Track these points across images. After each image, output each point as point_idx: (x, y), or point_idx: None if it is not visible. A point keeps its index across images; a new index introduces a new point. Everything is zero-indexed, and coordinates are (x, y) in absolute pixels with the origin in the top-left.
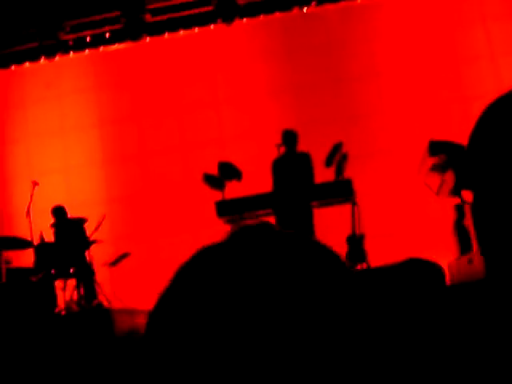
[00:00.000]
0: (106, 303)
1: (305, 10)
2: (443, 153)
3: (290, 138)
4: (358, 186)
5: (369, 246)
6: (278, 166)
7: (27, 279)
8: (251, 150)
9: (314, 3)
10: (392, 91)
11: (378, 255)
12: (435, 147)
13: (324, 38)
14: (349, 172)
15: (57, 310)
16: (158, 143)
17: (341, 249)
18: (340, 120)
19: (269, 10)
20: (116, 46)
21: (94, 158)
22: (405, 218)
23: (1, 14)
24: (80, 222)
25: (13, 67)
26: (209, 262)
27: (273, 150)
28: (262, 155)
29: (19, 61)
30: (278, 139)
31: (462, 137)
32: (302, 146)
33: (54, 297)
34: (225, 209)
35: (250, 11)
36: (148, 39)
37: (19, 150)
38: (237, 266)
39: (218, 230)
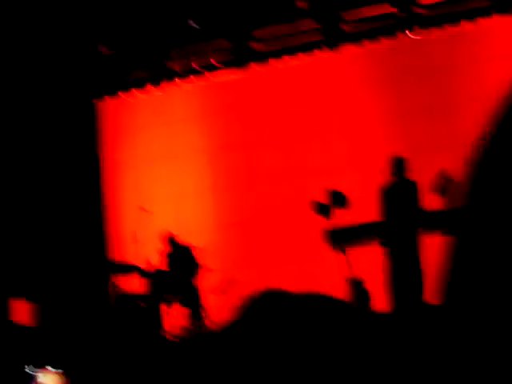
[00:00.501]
0: (211, 329)
1: (409, 35)
2: None
3: (398, 165)
4: None
5: None
6: (386, 194)
7: (136, 304)
8: (358, 178)
9: (416, 27)
10: None
11: None
12: None
13: (430, 62)
14: (456, 200)
15: (162, 334)
16: (267, 170)
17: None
18: (448, 147)
19: (376, 36)
20: (223, 74)
21: (203, 185)
22: None
23: (112, 44)
24: (189, 250)
25: (123, 95)
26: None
27: (380, 177)
28: (369, 183)
29: (129, 88)
30: (386, 167)
31: None
32: (412, 173)
33: (159, 321)
34: (334, 236)
35: (356, 38)
36: (254, 67)
37: (129, 175)
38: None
39: (324, 258)
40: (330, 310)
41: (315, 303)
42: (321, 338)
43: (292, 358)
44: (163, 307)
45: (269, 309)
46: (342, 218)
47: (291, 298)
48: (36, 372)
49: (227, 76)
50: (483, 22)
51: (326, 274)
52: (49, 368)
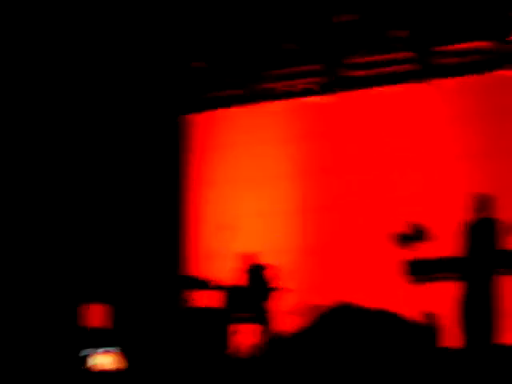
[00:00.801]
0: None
1: (503, 72)
2: None
3: (483, 204)
4: None
5: None
6: (469, 231)
7: (206, 320)
8: (441, 212)
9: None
10: None
11: None
12: None
13: None
14: None
15: (229, 353)
16: (352, 197)
17: None
18: None
19: (469, 71)
20: (316, 98)
21: (286, 207)
22: None
23: (206, 60)
24: (267, 270)
25: (214, 111)
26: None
27: (462, 213)
28: (451, 218)
29: (221, 105)
30: (470, 203)
31: None
32: (494, 212)
33: (227, 339)
34: (416, 268)
35: (448, 71)
36: (346, 93)
37: (215, 192)
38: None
39: (400, 290)
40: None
41: (384, 321)
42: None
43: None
44: (235, 325)
45: (339, 324)
46: (422, 250)
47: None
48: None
49: (319, 100)
50: None
51: (401, 305)
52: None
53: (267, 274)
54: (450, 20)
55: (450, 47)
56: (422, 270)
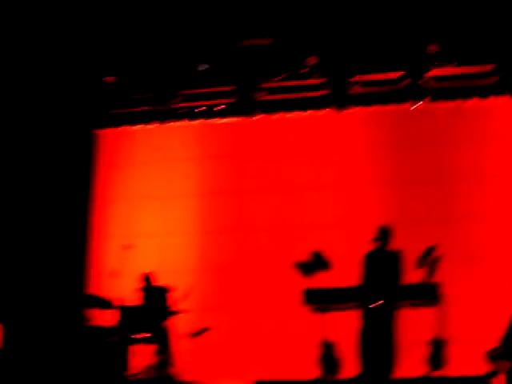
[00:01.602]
0: (177, 374)
1: (417, 105)
2: None
3: (384, 234)
4: (449, 290)
5: (452, 351)
6: (369, 261)
7: (105, 339)
8: (347, 239)
9: (428, 99)
10: (497, 196)
11: (461, 362)
12: None
13: (433, 134)
14: (442, 274)
15: (127, 374)
16: (256, 220)
17: (422, 351)
18: (440, 220)
19: (382, 101)
20: (227, 120)
21: (191, 227)
22: (492, 328)
23: (119, 75)
24: (165, 290)
25: (123, 127)
26: None
27: (367, 242)
28: (356, 246)
29: (130, 122)
30: (374, 232)
31: None
32: (399, 243)
33: (126, 360)
34: (313, 297)
35: (362, 101)
36: (258, 116)
37: (119, 209)
38: None
39: (302, 315)
40: None
41: None
42: None
43: None
44: (131, 345)
45: None
46: (323, 279)
47: None
48: None
49: (229, 122)
50: (490, 101)
51: (300, 332)
52: None
53: (166, 294)
54: (368, 50)
55: (366, 77)
56: (320, 299)
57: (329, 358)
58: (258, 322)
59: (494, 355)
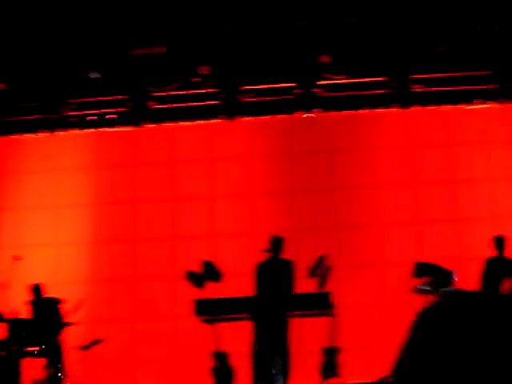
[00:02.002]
0: None
1: (309, 115)
2: (429, 275)
3: (276, 243)
4: (341, 298)
5: (345, 359)
6: (261, 271)
7: None
8: (239, 249)
9: (318, 110)
10: (390, 205)
11: (354, 369)
12: (421, 269)
13: (327, 144)
14: (334, 282)
15: None
16: (149, 230)
17: (315, 360)
18: (333, 229)
19: (273, 111)
20: (118, 128)
21: (84, 237)
22: (384, 335)
23: (9, 83)
24: (56, 302)
25: (13, 136)
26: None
27: (259, 252)
28: (249, 256)
29: (20, 130)
30: (266, 243)
31: (454, 260)
32: (291, 252)
33: (18, 373)
34: (203, 308)
35: (254, 110)
36: (150, 125)
37: (10, 219)
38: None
39: (194, 326)
40: None
41: None
42: None
43: None
44: (22, 359)
45: None
46: (214, 289)
47: None
48: None
49: (121, 131)
50: (380, 111)
51: (192, 343)
52: None
53: (57, 305)
54: (260, 60)
55: (258, 86)
56: (211, 310)
57: (221, 368)
58: (150, 332)
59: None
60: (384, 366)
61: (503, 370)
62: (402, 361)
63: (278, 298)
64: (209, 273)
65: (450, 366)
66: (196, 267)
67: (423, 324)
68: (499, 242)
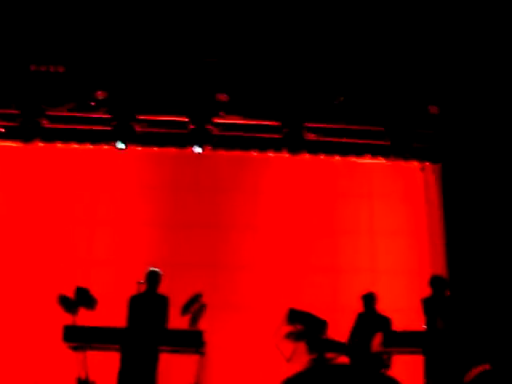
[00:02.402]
0: None
1: (199, 150)
2: (301, 322)
3: (152, 277)
4: (213, 337)
5: None
6: (135, 303)
7: None
8: (115, 279)
9: (208, 147)
10: (266, 247)
11: None
12: (294, 316)
13: (212, 181)
14: (207, 321)
15: None
16: (25, 248)
17: None
18: (210, 267)
19: (164, 143)
20: (6, 143)
21: None
22: (252, 377)
23: None
24: None
25: None
26: None
27: (136, 283)
28: (124, 286)
29: None
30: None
31: (326, 309)
32: (166, 288)
33: None
34: (72, 334)
35: (146, 140)
36: (41, 143)
37: None
38: None
39: (62, 351)
40: None
41: None
42: None
43: None
44: None
45: None
46: (87, 316)
47: None
48: None
49: (9, 146)
50: (269, 155)
51: (59, 369)
52: None
53: None
54: (155, 91)
55: (152, 117)
56: (80, 337)
57: None
58: (19, 356)
59: None
60: None
61: None
62: None
63: (150, 331)
64: (81, 299)
65: None
66: (70, 293)
67: None
68: (368, 299)
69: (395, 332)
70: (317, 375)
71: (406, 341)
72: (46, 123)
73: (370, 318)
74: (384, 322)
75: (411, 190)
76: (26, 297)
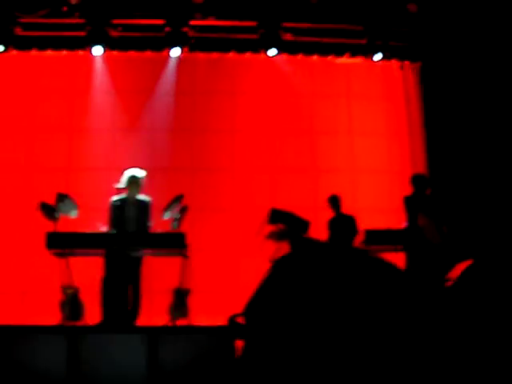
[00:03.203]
0: None
1: (176, 53)
2: (283, 222)
3: (132, 181)
4: (194, 240)
5: (194, 300)
6: (117, 207)
7: None
8: (96, 183)
9: (186, 49)
10: (245, 150)
11: (203, 311)
12: (276, 215)
13: (190, 84)
14: (188, 224)
15: None
16: (4, 157)
17: (165, 300)
18: (189, 170)
19: (141, 47)
20: None
21: None
22: (235, 279)
23: None
24: None
25: None
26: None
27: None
28: (106, 191)
29: None
30: (119, 178)
31: (306, 208)
32: (147, 191)
33: None
34: (55, 241)
35: (122, 45)
36: (14, 51)
37: None
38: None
39: (44, 259)
40: None
41: None
42: None
43: None
44: None
45: None
46: (69, 223)
47: None
48: None
49: None
50: (246, 56)
51: (43, 276)
52: None
53: None
54: None
55: (127, 21)
56: (63, 243)
57: (71, 303)
58: (4, 265)
59: (232, 322)
60: (233, 308)
61: (345, 315)
62: (254, 301)
63: (133, 235)
64: (62, 205)
65: (299, 309)
66: (51, 199)
67: (278, 270)
68: (334, 201)
69: (377, 230)
70: (308, 253)
71: (387, 238)
72: (19, 31)
73: (340, 220)
74: (351, 221)
75: (390, 90)
76: (7, 206)
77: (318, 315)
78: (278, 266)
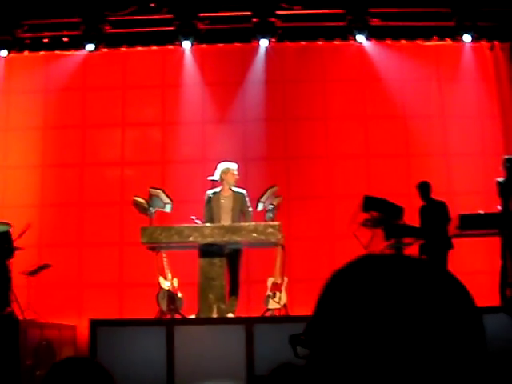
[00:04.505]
0: (18, 313)
1: (265, 44)
2: (377, 210)
3: (226, 173)
4: (290, 228)
5: (291, 290)
6: (212, 200)
7: None
8: (189, 177)
9: (274, 39)
10: (339, 137)
11: (300, 300)
12: (369, 203)
13: (280, 74)
14: (284, 213)
15: None
16: (99, 154)
17: (262, 290)
18: (283, 159)
19: (229, 39)
20: (72, 52)
21: (33, 161)
22: (331, 267)
23: None
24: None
25: None
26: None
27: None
28: (200, 184)
29: None
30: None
31: (401, 194)
32: (242, 182)
33: None
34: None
35: (210, 37)
36: (105, 49)
37: None
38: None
39: (140, 252)
40: None
41: None
42: None
43: None
44: None
45: None
46: (162, 217)
47: None
48: None
49: (73, 54)
50: (335, 44)
51: (140, 270)
52: None
53: (8, 231)
54: None
55: (213, 14)
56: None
57: (168, 295)
58: (98, 258)
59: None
60: None
61: (411, 331)
62: (313, 322)
63: (229, 227)
64: (157, 200)
65: (361, 329)
66: (144, 194)
67: (336, 285)
68: (424, 187)
69: (471, 214)
70: (368, 265)
71: (482, 223)
72: (108, 29)
73: (431, 207)
74: (442, 208)
75: (481, 71)
76: (104, 203)
77: (384, 335)
78: (336, 281)
